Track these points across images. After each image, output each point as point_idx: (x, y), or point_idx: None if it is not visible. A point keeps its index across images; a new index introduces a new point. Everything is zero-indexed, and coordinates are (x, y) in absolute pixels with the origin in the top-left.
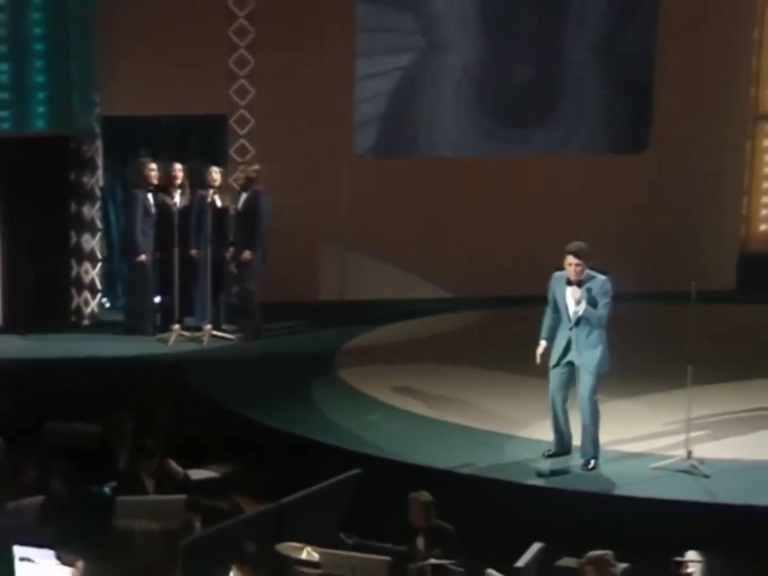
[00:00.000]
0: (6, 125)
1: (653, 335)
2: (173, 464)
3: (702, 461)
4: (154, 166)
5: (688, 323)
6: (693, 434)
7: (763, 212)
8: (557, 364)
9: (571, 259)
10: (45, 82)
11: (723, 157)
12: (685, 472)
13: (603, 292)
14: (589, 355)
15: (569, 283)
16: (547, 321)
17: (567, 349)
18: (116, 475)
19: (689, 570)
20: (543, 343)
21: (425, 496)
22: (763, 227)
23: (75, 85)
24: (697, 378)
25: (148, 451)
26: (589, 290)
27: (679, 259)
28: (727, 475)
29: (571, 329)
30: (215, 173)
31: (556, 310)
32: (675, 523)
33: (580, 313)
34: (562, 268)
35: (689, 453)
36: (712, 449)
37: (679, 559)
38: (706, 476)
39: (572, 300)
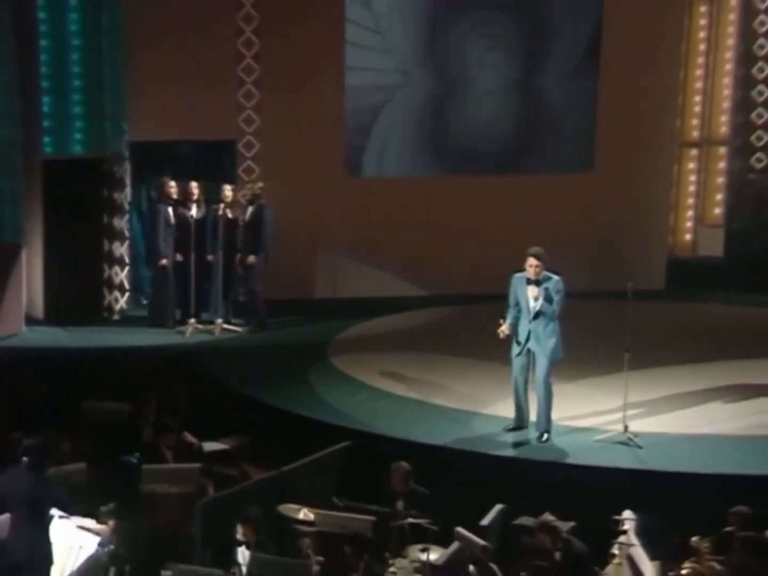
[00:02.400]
0: (49, 149)
1: (595, 328)
2: (189, 436)
3: (636, 434)
4: (173, 183)
5: (625, 317)
6: (629, 412)
7: (688, 224)
8: (519, 353)
9: (531, 261)
10: (82, 113)
11: (654, 177)
12: (622, 443)
13: (557, 290)
14: (546, 344)
15: (529, 282)
16: (510, 313)
17: (527, 340)
18: (140, 447)
19: (625, 527)
20: (505, 323)
21: (404, 466)
22: (687, 237)
23: (107, 116)
24: (632, 364)
25: (168, 428)
26: (546, 289)
27: (617, 263)
28: (657, 446)
29: (530, 322)
30: (226, 190)
31: (517, 305)
32: (613, 486)
33: (538, 308)
34: (521, 270)
35: (626, 427)
36: (645, 424)
37: (616, 517)
38: (640, 447)
39: (532, 297)
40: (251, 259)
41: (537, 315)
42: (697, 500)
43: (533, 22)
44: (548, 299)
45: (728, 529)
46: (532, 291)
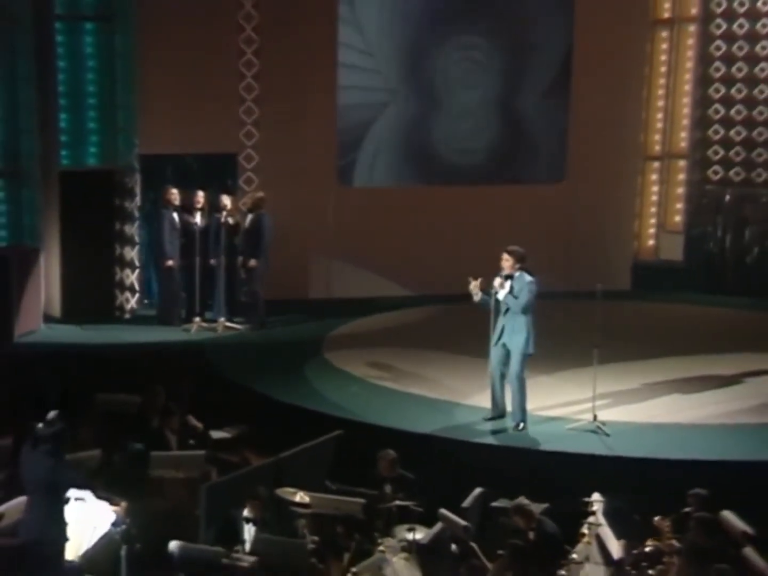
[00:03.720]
0: (66, 161)
1: (568, 325)
2: (193, 420)
3: (604, 423)
4: (175, 191)
5: (594, 316)
6: (598, 402)
7: (651, 231)
8: (495, 344)
9: (503, 255)
10: (96, 128)
11: (620, 188)
12: (591, 431)
13: (526, 289)
14: (515, 339)
15: (506, 277)
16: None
17: (502, 333)
18: (149, 435)
19: (593, 508)
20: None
21: (390, 454)
22: (650, 242)
23: (119, 131)
24: (601, 359)
25: (171, 411)
26: (512, 286)
27: (587, 266)
28: (623, 434)
29: (503, 316)
30: (228, 199)
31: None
32: (583, 471)
33: (501, 298)
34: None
35: (595, 417)
36: (612, 414)
37: (586, 499)
38: (608, 435)
39: (498, 286)
40: (252, 262)
41: (507, 310)
42: (660, 483)
43: (510, 47)
44: (515, 295)
45: (687, 509)
46: (498, 281)
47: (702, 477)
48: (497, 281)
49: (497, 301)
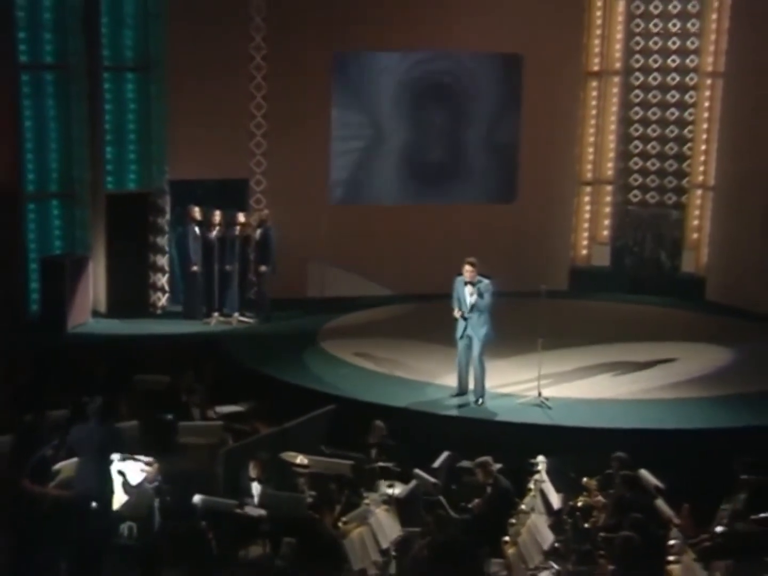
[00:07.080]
0: (111, 186)
1: (517, 319)
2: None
3: (548, 399)
4: (197, 208)
5: (539, 311)
6: (543, 382)
7: (584, 242)
8: (461, 337)
9: (467, 267)
10: (135, 158)
11: (560, 207)
12: (537, 405)
13: (486, 290)
14: (479, 331)
15: (466, 283)
16: (456, 305)
17: (466, 328)
18: (177, 408)
19: (538, 468)
20: (456, 310)
21: (381, 423)
22: (584, 252)
23: (154, 161)
24: (545, 346)
25: (195, 389)
26: (478, 288)
27: (533, 270)
28: (563, 407)
29: (468, 314)
30: (240, 215)
31: (459, 300)
32: (530, 437)
33: (473, 302)
34: (460, 274)
35: (540, 393)
36: (554, 391)
37: (532, 461)
38: (550, 408)
39: (468, 294)
40: (263, 268)
41: (472, 308)
42: (590, 448)
43: (469, 95)
44: (480, 295)
45: (609, 471)
46: (468, 289)
47: (624, 442)
48: (469, 289)
49: (463, 303)
